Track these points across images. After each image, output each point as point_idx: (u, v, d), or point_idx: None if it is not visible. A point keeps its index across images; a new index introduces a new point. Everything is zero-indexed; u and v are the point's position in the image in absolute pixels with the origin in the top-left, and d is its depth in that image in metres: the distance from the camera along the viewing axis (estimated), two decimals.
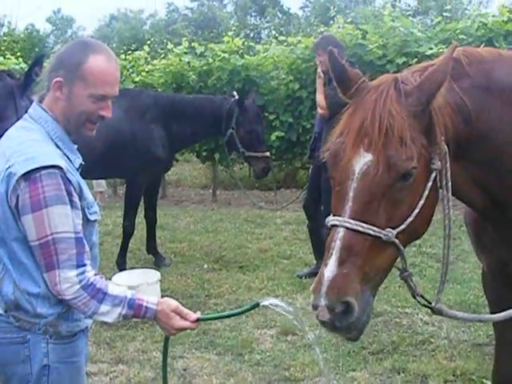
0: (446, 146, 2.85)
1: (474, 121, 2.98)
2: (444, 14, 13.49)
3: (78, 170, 2.92)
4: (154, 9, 48.94)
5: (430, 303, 3.19)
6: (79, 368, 2.97)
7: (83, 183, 2.88)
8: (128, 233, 8.63)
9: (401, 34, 12.04)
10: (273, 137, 13.03)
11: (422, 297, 3.12)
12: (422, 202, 2.80)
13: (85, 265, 2.71)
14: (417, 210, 2.78)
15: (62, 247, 2.66)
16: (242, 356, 6.05)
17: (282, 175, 15.88)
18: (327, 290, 2.64)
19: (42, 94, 2.93)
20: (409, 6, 31.63)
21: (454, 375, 5.51)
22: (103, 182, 13.98)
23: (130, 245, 8.78)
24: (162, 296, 6.84)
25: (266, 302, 3.03)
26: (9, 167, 2.69)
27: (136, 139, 8.18)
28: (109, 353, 6.18)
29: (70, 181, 2.72)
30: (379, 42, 12.14)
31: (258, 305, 3.02)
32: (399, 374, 5.59)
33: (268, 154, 8.89)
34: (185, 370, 5.79)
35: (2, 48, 23.53)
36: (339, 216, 2.74)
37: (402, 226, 2.76)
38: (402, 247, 2.79)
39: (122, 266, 8.38)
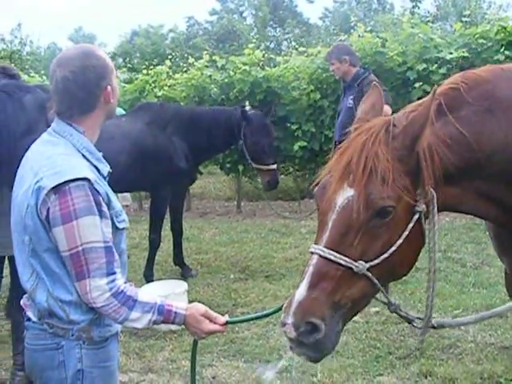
0: (433, 191, 2.92)
1: (476, 148, 3.02)
2: (463, 19, 13.51)
3: (105, 178, 3.01)
4: (174, 23, 49.03)
5: (431, 324, 3.35)
6: (112, 372, 3.06)
7: (111, 193, 2.97)
8: (155, 245, 8.72)
9: (420, 41, 12.05)
10: (295, 147, 13.11)
11: (418, 320, 3.31)
12: (400, 242, 2.87)
13: (115, 273, 2.80)
14: (393, 248, 2.86)
15: (92, 257, 2.75)
16: (270, 363, 6.11)
17: (306, 185, 15.92)
18: (295, 310, 2.76)
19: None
20: (428, 12, 31.63)
21: (481, 378, 5.53)
22: (128, 195, 14.00)
23: (156, 257, 8.88)
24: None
25: None
26: (37, 181, 2.79)
27: (159, 152, 8.28)
28: (138, 362, 6.27)
29: (98, 191, 2.81)
30: (399, 49, 12.16)
31: (281, 308, 3.06)
32: (426, 377, 5.62)
33: (275, 166, 8.90)
34: (214, 377, 5.86)
35: (26, 67, 23.88)
36: (316, 244, 2.85)
37: (376, 261, 2.83)
38: (376, 281, 2.86)
39: (149, 277, 8.46)
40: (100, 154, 3.05)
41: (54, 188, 2.75)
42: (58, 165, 2.81)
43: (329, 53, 8.60)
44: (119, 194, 13.09)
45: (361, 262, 2.81)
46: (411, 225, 2.90)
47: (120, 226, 3.00)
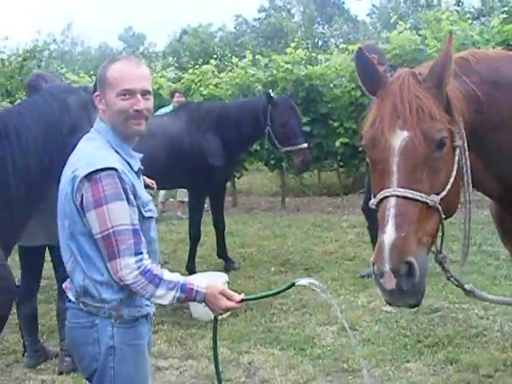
0: (463, 126, 3.17)
1: (486, 110, 3.30)
2: (501, 15, 13.57)
3: (137, 173, 3.34)
4: (223, 22, 49.38)
5: (463, 285, 3.55)
6: (142, 350, 3.37)
7: (137, 184, 3.28)
8: (195, 239, 9.01)
9: (459, 38, 12.19)
10: (337, 143, 13.39)
11: (454, 279, 3.48)
12: (454, 173, 3.12)
13: (142, 253, 3.10)
14: (452, 178, 3.10)
15: (122, 238, 3.06)
16: (304, 350, 6.40)
17: (350, 181, 16.16)
18: (389, 253, 2.85)
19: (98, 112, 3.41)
20: (473, 7, 31.46)
21: (504, 365, 5.75)
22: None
23: (201, 251, 9.21)
24: None
25: (300, 282, 3.36)
26: (74, 171, 3.15)
27: (194, 149, 8.55)
28: (179, 349, 6.61)
29: (124, 180, 3.14)
30: (438, 46, 12.32)
31: (293, 284, 3.34)
32: (452, 364, 5.84)
33: (305, 145, 8.94)
34: (250, 363, 6.16)
35: (76, 67, 24.43)
36: (386, 189, 3.01)
37: (444, 193, 3.05)
38: (443, 216, 3.07)
39: (192, 270, 8.78)
40: (134, 153, 3.38)
41: (86, 176, 3.09)
42: (91, 156, 3.17)
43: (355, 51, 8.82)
44: (179, 190, 13.33)
45: (433, 195, 3.02)
46: (456, 158, 3.14)
47: (147, 214, 3.30)
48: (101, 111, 3.33)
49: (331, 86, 13.80)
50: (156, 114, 10.76)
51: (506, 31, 12.01)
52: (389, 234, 2.89)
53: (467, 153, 3.19)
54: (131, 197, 3.17)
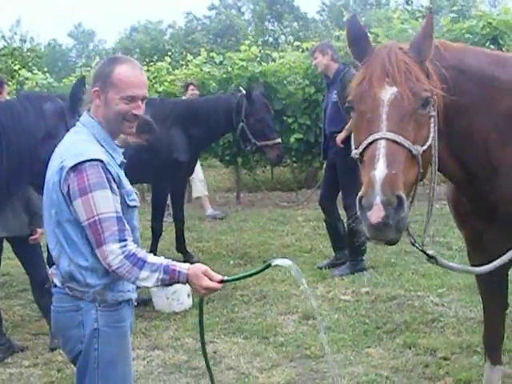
0: (436, 99, 3.39)
1: (457, 93, 3.54)
2: (451, 14, 13.91)
3: (120, 166, 3.50)
4: (173, 19, 49.29)
5: (426, 251, 3.75)
6: (124, 332, 3.53)
7: (122, 175, 3.45)
8: (157, 234, 9.14)
9: (410, 36, 12.45)
10: (292, 139, 13.56)
11: (418, 244, 3.69)
12: (432, 134, 3.35)
13: (126, 239, 3.25)
14: (431, 135, 3.33)
15: (106, 225, 3.21)
16: (267, 339, 6.57)
17: (303, 176, 16.38)
18: (382, 186, 3.00)
19: (89, 105, 3.53)
20: (421, 6, 32.11)
21: (460, 348, 6.01)
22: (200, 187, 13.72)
23: (160, 245, 9.32)
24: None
25: (276, 262, 3.44)
26: (61, 162, 3.30)
27: (159, 145, 8.62)
28: (145, 341, 6.73)
29: (109, 171, 3.30)
30: None
31: (269, 265, 3.45)
32: (410, 348, 6.08)
33: (279, 140, 9.27)
34: (215, 352, 6.29)
35: (29, 64, 24.22)
36: (376, 133, 3.19)
37: (425, 147, 3.27)
38: (422, 170, 3.28)
39: None
40: (117, 148, 3.53)
41: (73, 167, 3.24)
42: (77, 148, 3.32)
43: (312, 49, 9.06)
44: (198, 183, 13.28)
45: (416, 146, 3.22)
46: (432, 126, 3.36)
47: (131, 203, 3.47)
48: (94, 105, 3.46)
49: (285, 82, 13.97)
50: None
51: (454, 30, 12.31)
52: (380, 170, 3.06)
53: (436, 126, 3.39)
54: (115, 186, 3.32)
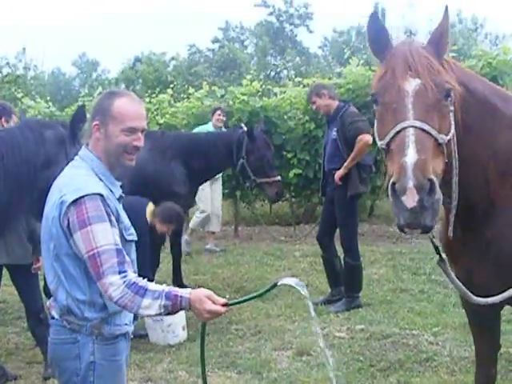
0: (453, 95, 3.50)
1: (463, 111, 3.63)
2: (450, 54, 14.00)
3: (118, 200, 3.55)
4: (177, 51, 49.53)
5: (440, 252, 3.79)
6: (120, 366, 3.57)
7: (121, 209, 3.52)
8: (155, 265, 9.11)
9: None
10: (291, 174, 13.66)
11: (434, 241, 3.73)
12: (453, 125, 3.46)
13: (126, 271, 3.27)
14: (453, 126, 3.44)
15: (106, 257, 3.23)
16: (261, 374, 6.56)
17: (301, 211, 16.42)
18: (413, 171, 3.06)
19: (88, 140, 3.59)
20: (423, 44, 32.20)
21: None
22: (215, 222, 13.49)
23: (157, 277, 9.31)
24: (187, 322, 7.45)
25: (282, 281, 3.42)
26: (61, 196, 3.34)
27: (158, 177, 8.72)
28: (139, 373, 6.73)
29: (108, 205, 3.36)
30: None
31: (275, 285, 3.42)
32: None
33: (279, 178, 9.36)
34: None
35: (33, 92, 24.34)
36: (404, 121, 3.27)
37: (449, 136, 3.38)
38: (446, 160, 3.36)
39: None
40: (116, 181, 3.59)
41: (73, 201, 3.28)
42: (77, 183, 3.37)
43: (308, 94, 9.13)
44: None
45: (442, 135, 3.32)
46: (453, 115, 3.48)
47: (128, 238, 3.53)
48: (94, 139, 3.52)
49: (285, 117, 14.09)
50: (195, 131, 11.44)
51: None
52: (411, 156, 3.13)
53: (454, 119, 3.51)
54: (114, 220, 3.37)
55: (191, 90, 16.15)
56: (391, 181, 3.15)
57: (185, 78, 38.18)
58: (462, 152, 3.60)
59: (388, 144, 3.33)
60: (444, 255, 3.86)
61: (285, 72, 46.39)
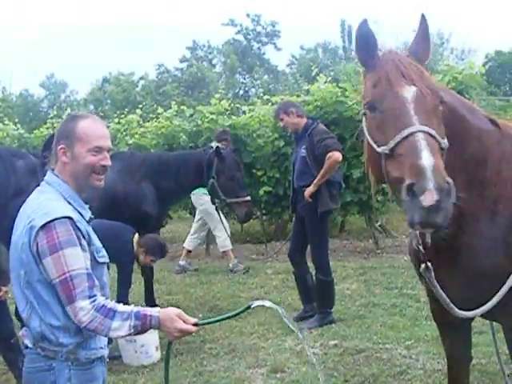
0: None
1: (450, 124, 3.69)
2: None
3: (88, 222, 3.55)
4: (145, 71, 49.46)
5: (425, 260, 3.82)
6: None
7: (91, 231, 3.51)
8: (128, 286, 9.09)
9: None
10: (261, 192, 13.68)
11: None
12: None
13: (95, 295, 3.28)
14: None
15: (78, 282, 3.24)
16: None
17: (272, 228, 16.45)
18: (433, 173, 3.08)
19: (53, 165, 3.60)
20: (406, 53, 32.57)
21: None
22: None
23: (129, 298, 9.27)
24: (160, 342, 7.42)
25: (256, 303, 3.47)
26: (30, 221, 3.33)
27: (128, 198, 8.72)
28: None
29: (79, 229, 3.35)
30: (358, 98, 12.79)
31: (249, 307, 3.46)
32: None
33: (249, 198, 9.41)
34: None
35: (0, 115, 24.20)
36: (411, 126, 3.30)
37: (446, 141, 3.44)
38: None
39: None
40: (84, 204, 3.59)
41: (42, 226, 3.27)
42: (46, 207, 3.36)
43: (276, 111, 9.17)
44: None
45: (443, 140, 3.39)
46: None
47: (100, 260, 3.52)
48: (60, 163, 3.53)
49: (255, 136, 14.13)
50: None
51: None
52: (427, 159, 3.15)
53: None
54: (84, 243, 3.37)
55: (160, 110, 16.19)
56: (407, 183, 3.14)
57: (153, 98, 38.27)
58: None
59: (392, 149, 3.34)
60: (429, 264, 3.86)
61: (253, 90, 46.70)
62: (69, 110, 18.79)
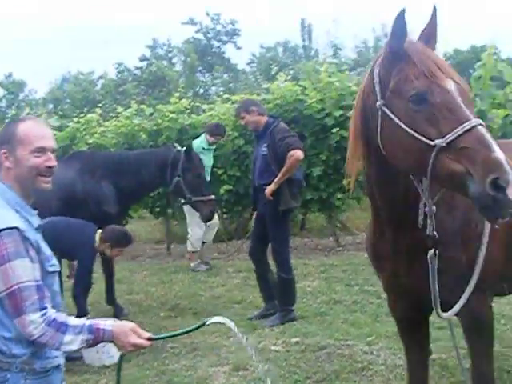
0: None
1: None
2: None
3: (37, 229, 3.43)
4: (104, 70, 48.98)
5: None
6: None
7: (41, 240, 3.39)
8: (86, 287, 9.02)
9: (337, 89, 12.78)
10: (222, 190, 13.70)
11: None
12: None
13: (46, 307, 3.19)
14: None
15: (26, 294, 3.14)
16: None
17: (233, 227, 16.46)
18: (510, 165, 3.05)
19: None
20: (350, 58, 32.94)
21: None
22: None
23: (90, 298, 9.21)
24: None
25: (211, 320, 3.43)
26: None
27: (87, 197, 8.69)
28: None
29: (27, 238, 3.24)
30: (317, 96, 12.87)
31: (204, 324, 3.44)
32: None
33: (213, 196, 9.48)
34: None
35: None
36: (469, 121, 3.25)
37: None
38: None
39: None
40: (32, 210, 3.47)
41: None
42: None
43: (237, 110, 9.17)
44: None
45: None
46: None
47: (50, 269, 3.39)
48: (3, 169, 3.40)
49: None
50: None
51: None
52: (499, 152, 3.10)
53: None
54: (33, 254, 3.25)
55: (120, 109, 16.14)
56: (490, 177, 3.05)
57: (113, 97, 38.04)
58: None
59: (451, 142, 3.24)
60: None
61: (213, 89, 46.59)
62: (28, 110, 18.61)
